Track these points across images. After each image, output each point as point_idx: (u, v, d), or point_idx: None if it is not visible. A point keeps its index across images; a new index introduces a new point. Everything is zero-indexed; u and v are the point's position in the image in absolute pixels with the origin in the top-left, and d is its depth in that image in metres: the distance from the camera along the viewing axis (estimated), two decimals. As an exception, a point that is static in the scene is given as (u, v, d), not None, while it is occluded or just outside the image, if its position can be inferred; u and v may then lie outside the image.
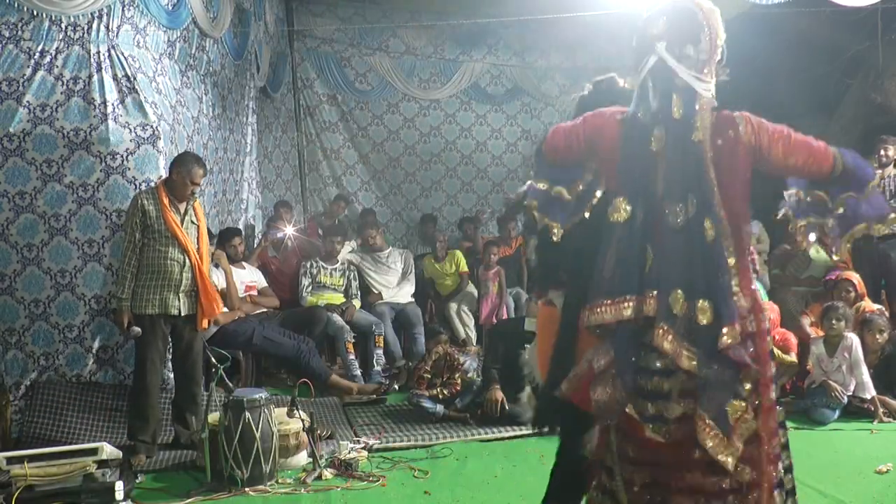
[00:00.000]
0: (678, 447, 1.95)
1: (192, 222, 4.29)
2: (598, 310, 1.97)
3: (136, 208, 4.16)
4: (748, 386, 1.93)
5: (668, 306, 1.91)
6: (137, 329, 4.11)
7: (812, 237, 2.23)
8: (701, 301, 1.90)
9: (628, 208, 1.97)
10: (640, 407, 1.95)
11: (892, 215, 2.09)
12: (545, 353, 2.45)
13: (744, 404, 1.92)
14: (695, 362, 1.89)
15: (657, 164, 1.97)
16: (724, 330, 1.89)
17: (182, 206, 4.26)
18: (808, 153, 2.04)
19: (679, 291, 1.91)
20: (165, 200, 4.17)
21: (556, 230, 2.10)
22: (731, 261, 1.94)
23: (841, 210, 2.07)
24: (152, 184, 4.39)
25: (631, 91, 2.52)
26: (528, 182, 2.18)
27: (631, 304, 1.94)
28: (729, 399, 1.90)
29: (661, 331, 1.90)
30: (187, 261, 4.20)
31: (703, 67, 2.00)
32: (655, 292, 1.92)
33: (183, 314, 4.21)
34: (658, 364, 1.94)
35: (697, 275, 1.92)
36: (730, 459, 1.88)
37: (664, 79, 1.99)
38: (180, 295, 4.19)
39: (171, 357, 4.42)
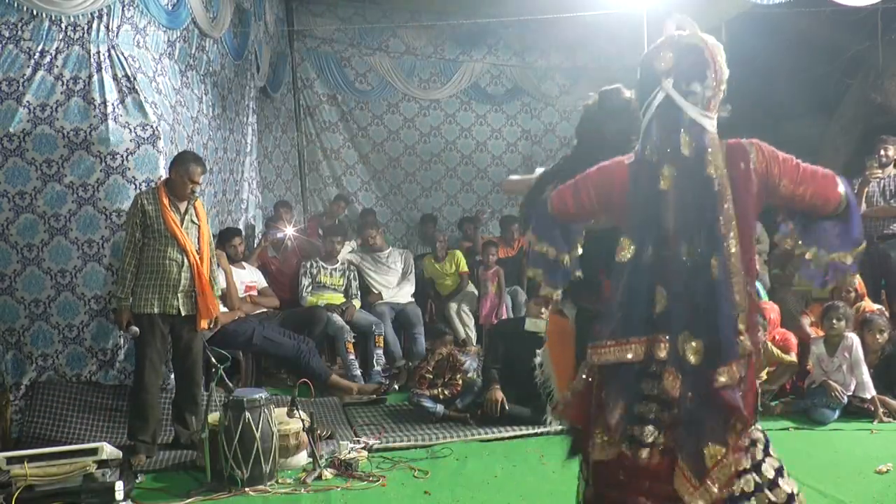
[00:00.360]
0: (654, 477, 1.95)
1: (193, 222, 4.28)
2: (602, 350, 1.99)
3: (136, 208, 4.17)
4: (735, 430, 1.91)
5: (677, 349, 1.91)
6: (135, 329, 4.11)
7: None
8: (695, 341, 1.89)
9: (632, 248, 1.96)
10: (634, 432, 1.96)
11: (836, 280, 2.07)
12: (561, 364, 2.44)
13: (723, 449, 1.89)
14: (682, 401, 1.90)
15: (667, 202, 1.95)
16: (721, 370, 1.87)
17: (182, 206, 4.25)
18: (817, 183, 2.00)
19: (686, 332, 1.91)
20: (165, 200, 4.17)
21: (556, 296, 2.13)
22: (738, 298, 1.92)
23: (809, 257, 2.05)
24: (152, 184, 4.39)
25: (634, 103, 2.53)
26: (528, 238, 2.13)
27: (633, 346, 1.95)
28: (707, 442, 1.89)
29: (671, 375, 1.91)
30: (186, 261, 4.20)
31: (709, 104, 1.99)
32: (667, 336, 1.92)
33: (182, 314, 4.21)
34: (655, 392, 1.96)
35: (701, 314, 1.91)
36: (701, 502, 1.87)
37: (671, 116, 1.97)
38: (179, 295, 4.19)
39: (171, 357, 4.42)
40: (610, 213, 2.05)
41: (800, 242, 2.07)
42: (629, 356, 1.94)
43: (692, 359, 1.89)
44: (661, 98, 1.99)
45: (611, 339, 1.97)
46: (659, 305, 1.93)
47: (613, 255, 2.01)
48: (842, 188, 2.00)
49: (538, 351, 2.58)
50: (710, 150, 1.95)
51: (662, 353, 1.92)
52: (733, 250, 1.92)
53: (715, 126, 2.00)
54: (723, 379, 1.87)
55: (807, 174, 2.00)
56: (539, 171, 2.26)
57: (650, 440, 1.95)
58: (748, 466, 2.00)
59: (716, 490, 1.87)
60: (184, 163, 4.20)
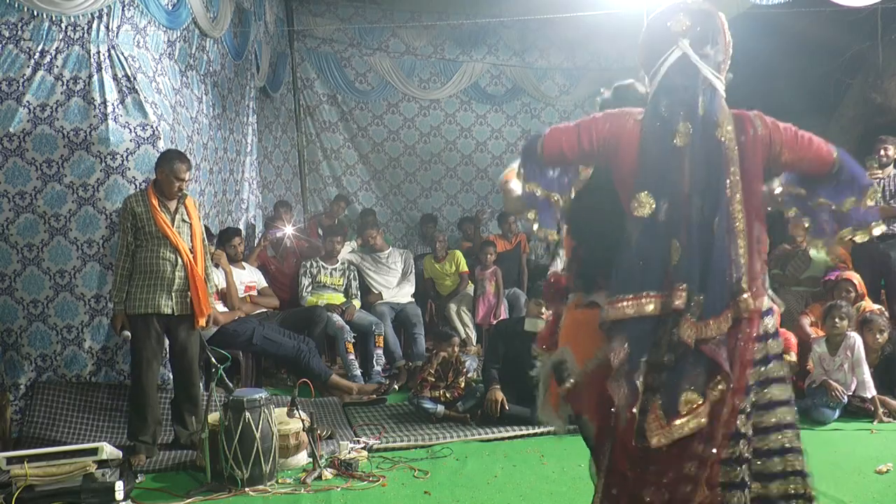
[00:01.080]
0: (668, 460, 1.94)
1: (184, 220, 4.26)
2: (619, 304, 1.97)
3: (126, 212, 4.16)
4: (717, 386, 1.93)
5: (692, 299, 1.93)
6: (127, 333, 4.13)
7: (805, 224, 2.24)
8: (698, 296, 1.92)
9: (652, 202, 1.97)
10: (647, 402, 1.94)
11: (875, 224, 2.13)
12: (583, 351, 2.41)
13: (700, 399, 1.92)
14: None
15: (682, 158, 1.97)
16: (709, 323, 1.90)
17: (172, 205, 4.23)
18: (813, 151, 2.08)
19: (695, 285, 1.94)
20: (155, 201, 4.16)
21: (553, 238, 2.11)
22: (742, 260, 1.95)
23: (823, 206, 2.13)
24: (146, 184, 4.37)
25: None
26: (518, 183, 2.13)
27: (653, 299, 1.94)
28: (686, 388, 1.92)
29: (688, 323, 1.91)
30: (179, 260, 4.19)
31: (719, 68, 2.05)
32: (685, 285, 1.92)
33: (176, 314, 4.20)
34: (666, 359, 1.94)
35: (704, 270, 1.94)
36: (659, 440, 1.90)
37: (688, 74, 2.01)
38: (173, 294, 4.18)
39: (168, 357, 4.42)
40: (610, 161, 2.06)
41: (803, 194, 2.16)
42: (650, 308, 1.94)
43: (696, 312, 1.92)
44: (676, 56, 2.02)
45: (629, 293, 1.96)
46: (674, 258, 1.95)
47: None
48: (834, 150, 2.11)
49: (562, 350, 2.50)
50: (720, 112, 2.00)
51: (680, 302, 1.91)
52: (738, 214, 1.96)
53: (723, 90, 2.05)
54: (708, 332, 1.90)
55: (804, 141, 2.08)
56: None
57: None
58: (744, 431, 2.00)
59: (676, 435, 1.90)
60: (168, 161, 4.18)
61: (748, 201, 1.98)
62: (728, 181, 1.96)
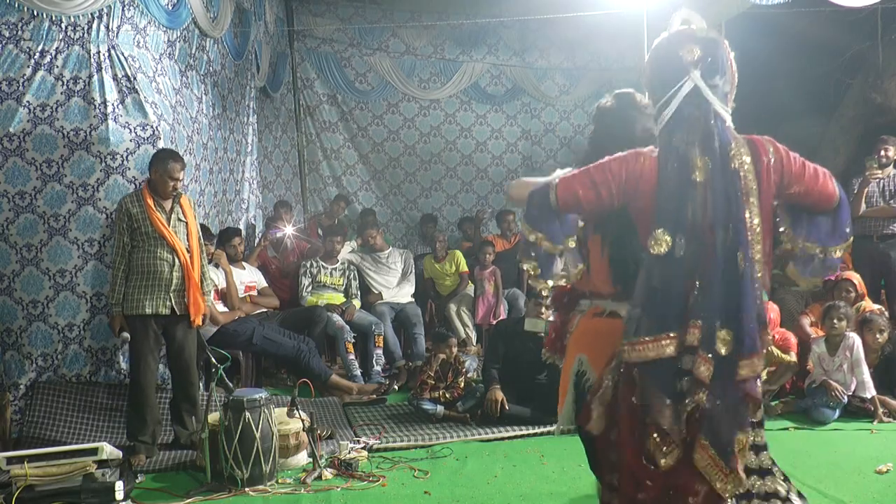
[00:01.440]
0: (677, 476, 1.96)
1: (180, 219, 4.25)
2: (639, 347, 1.95)
3: (121, 213, 4.16)
4: (755, 419, 1.97)
5: (711, 335, 1.91)
6: (126, 335, 4.12)
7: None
8: (724, 331, 1.90)
9: (669, 239, 1.94)
10: (673, 430, 1.95)
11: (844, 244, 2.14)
12: (602, 359, 2.40)
13: (745, 437, 1.94)
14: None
15: (702, 192, 1.94)
16: (743, 363, 1.90)
17: (168, 205, 4.22)
18: (820, 185, 2.06)
19: (718, 321, 1.92)
20: (150, 201, 4.15)
21: (546, 290, 2.13)
22: (759, 292, 1.96)
23: (809, 250, 2.14)
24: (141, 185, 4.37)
25: (647, 108, 2.52)
26: (522, 229, 2.08)
27: (672, 340, 1.93)
28: (737, 431, 1.92)
29: (702, 359, 1.90)
30: (176, 260, 4.18)
31: (726, 99, 2.04)
32: (700, 322, 1.91)
33: (174, 314, 4.19)
34: (687, 402, 1.94)
35: (729, 305, 1.92)
36: (729, 487, 1.90)
37: (700, 107, 1.99)
38: (171, 294, 4.17)
39: (166, 357, 4.42)
40: (629, 204, 2.02)
41: (792, 235, 2.14)
42: (670, 350, 1.92)
43: (722, 349, 1.90)
44: (688, 88, 1.99)
45: (648, 335, 1.94)
46: (691, 295, 1.93)
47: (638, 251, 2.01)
48: (836, 185, 2.08)
49: (577, 358, 2.48)
50: (732, 143, 1.98)
51: (694, 340, 1.90)
52: (758, 245, 1.95)
53: (730, 121, 2.04)
54: (743, 372, 1.90)
55: (811, 173, 2.05)
56: (559, 172, 2.18)
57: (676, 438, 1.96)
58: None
59: (744, 477, 1.92)
60: (162, 161, 4.17)
61: (765, 230, 1.98)
62: (748, 212, 1.95)
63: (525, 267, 2.06)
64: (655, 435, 1.94)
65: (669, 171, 1.97)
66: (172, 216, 4.22)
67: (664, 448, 1.93)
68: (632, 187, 1.99)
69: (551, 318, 5.01)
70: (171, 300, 4.17)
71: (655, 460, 1.93)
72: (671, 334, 1.93)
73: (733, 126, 2.05)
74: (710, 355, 1.89)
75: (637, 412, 1.97)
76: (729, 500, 1.92)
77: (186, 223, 4.27)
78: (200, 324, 4.36)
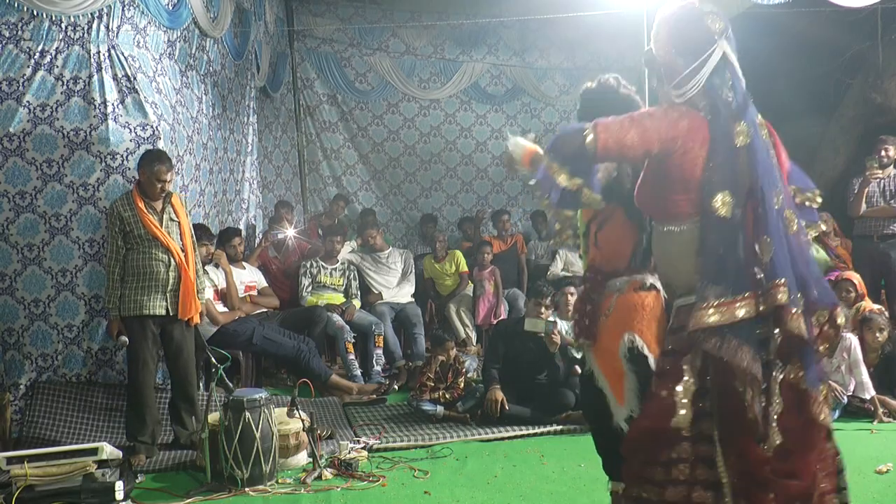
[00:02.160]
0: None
1: (172, 219, 4.24)
2: (713, 311, 1.92)
3: (113, 217, 4.15)
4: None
5: (794, 292, 1.95)
6: (124, 339, 4.12)
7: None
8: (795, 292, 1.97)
9: (730, 201, 1.96)
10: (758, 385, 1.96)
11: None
12: (654, 341, 2.40)
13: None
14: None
15: (744, 157, 1.98)
16: (820, 313, 2.01)
17: (158, 205, 4.21)
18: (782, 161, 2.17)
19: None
20: (140, 204, 4.14)
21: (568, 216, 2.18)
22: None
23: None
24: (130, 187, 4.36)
25: (629, 97, 2.59)
26: (552, 169, 2.04)
27: (747, 301, 1.93)
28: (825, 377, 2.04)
29: (796, 316, 1.93)
30: (172, 260, 4.18)
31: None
32: (783, 279, 1.93)
33: (171, 314, 4.20)
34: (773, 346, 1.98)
35: (801, 264, 1.99)
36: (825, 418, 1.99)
37: (731, 74, 2.03)
38: (168, 294, 4.17)
39: (165, 357, 4.42)
40: (674, 159, 2.01)
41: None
42: (741, 313, 1.92)
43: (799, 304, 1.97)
44: (717, 57, 2.01)
45: (722, 298, 1.92)
46: (766, 255, 1.94)
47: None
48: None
49: (626, 337, 2.44)
50: (758, 114, 2.05)
51: (783, 297, 1.91)
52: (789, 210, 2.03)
53: None
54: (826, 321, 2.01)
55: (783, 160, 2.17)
56: (531, 135, 2.23)
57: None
58: None
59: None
60: (149, 163, 4.14)
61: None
62: (782, 176, 2.04)
63: (564, 182, 2.02)
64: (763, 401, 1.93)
65: (721, 135, 1.99)
66: (164, 217, 4.20)
67: (773, 402, 1.95)
68: (675, 139, 2.00)
69: (552, 319, 5.03)
70: (167, 301, 4.17)
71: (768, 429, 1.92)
72: (746, 294, 1.93)
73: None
74: (796, 309, 1.93)
75: (737, 393, 1.92)
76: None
77: (179, 223, 4.26)
78: (199, 321, 4.36)
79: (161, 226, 4.17)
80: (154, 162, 4.14)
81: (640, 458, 2.04)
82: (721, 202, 1.95)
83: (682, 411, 1.96)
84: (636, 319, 2.46)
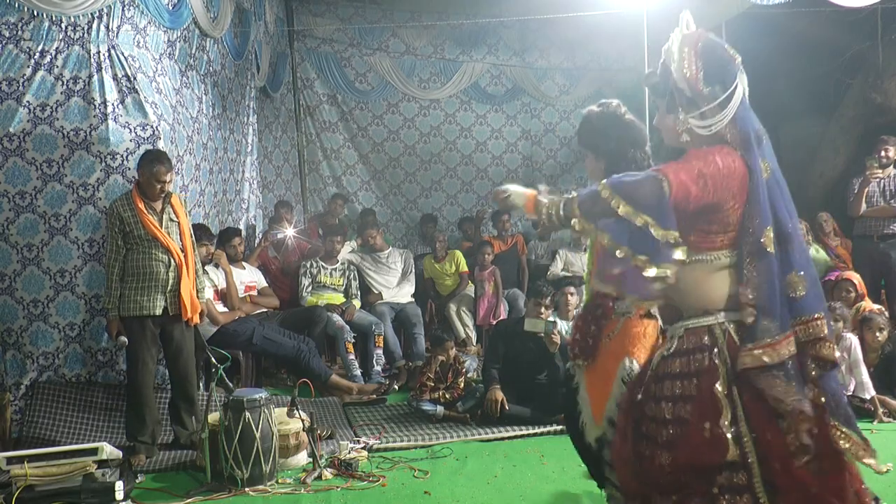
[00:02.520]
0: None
1: (172, 220, 4.24)
2: (756, 352, 1.92)
3: (113, 217, 4.15)
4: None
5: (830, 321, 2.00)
6: (123, 339, 4.12)
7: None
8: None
9: (772, 236, 1.96)
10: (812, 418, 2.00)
11: None
12: (644, 361, 2.41)
13: None
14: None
15: (771, 190, 1.98)
16: (828, 344, 1.97)
17: (158, 206, 4.21)
18: None
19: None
20: (140, 204, 4.14)
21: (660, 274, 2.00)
22: None
23: None
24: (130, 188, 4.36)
25: (633, 123, 2.61)
26: (651, 228, 1.90)
27: (791, 338, 1.94)
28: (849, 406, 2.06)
29: (829, 344, 1.96)
30: (171, 261, 4.18)
31: None
32: (822, 314, 1.97)
33: (171, 314, 4.20)
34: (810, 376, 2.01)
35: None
36: (874, 460, 2.04)
37: (748, 108, 2.02)
38: (167, 295, 4.18)
39: (164, 357, 4.42)
40: (719, 203, 1.97)
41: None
42: (791, 349, 1.93)
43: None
44: (741, 90, 2.00)
45: (766, 337, 1.92)
46: (800, 290, 1.96)
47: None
48: None
49: (627, 362, 2.47)
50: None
51: (824, 330, 1.95)
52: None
53: None
54: (829, 353, 1.98)
55: None
56: (542, 188, 2.15)
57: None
58: None
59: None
60: (148, 164, 4.14)
61: None
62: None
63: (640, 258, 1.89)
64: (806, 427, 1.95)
65: (755, 169, 1.97)
66: (164, 217, 4.21)
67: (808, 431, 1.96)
68: (725, 183, 1.95)
69: (552, 319, 5.03)
70: (167, 301, 4.17)
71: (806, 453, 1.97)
72: (788, 333, 1.94)
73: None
74: (831, 342, 1.97)
75: (774, 419, 1.95)
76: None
77: (178, 223, 4.26)
78: (199, 321, 4.36)
79: (161, 226, 4.16)
80: (153, 162, 4.14)
81: (681, 492, 1.98)
82: (767, 239, 1.95)
83: (731, 442, 1.93)
84: (637, 346, 2.48)
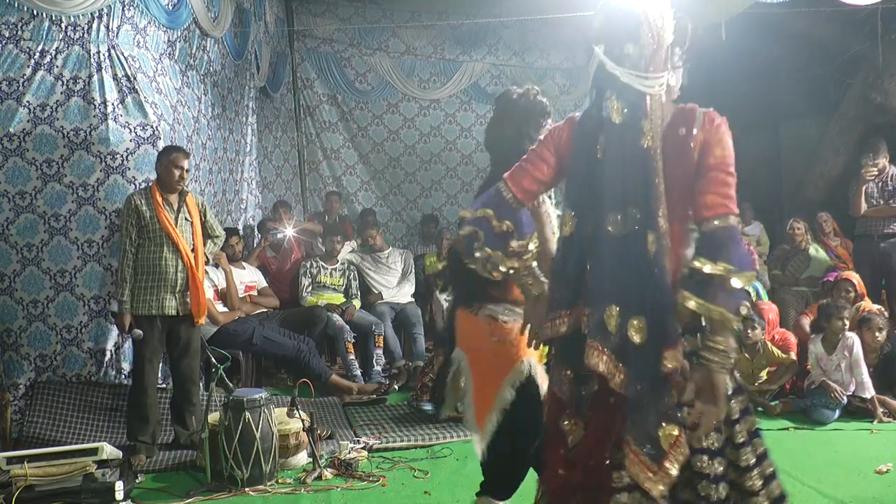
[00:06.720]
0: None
1: (187, 219, 4.26)
2: (545, 326, 1.95)
3: (130, 209, 4.15)
4: (686, 409, 1.79)
5: (603, 323, 1.79)
6: (139, 331, 4.11)
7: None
8: (636, 319, 1.77)
9: (573, 222, 1.90)
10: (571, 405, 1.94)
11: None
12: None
13: (677, 428, 1.77)
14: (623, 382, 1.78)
15: (601, 172, 1.85)
16: (667, 354, 1.75)
17: (175, 202, 4.23)
18: (719, 186, 1.82)
19: (615, 307, 1.79)
20: (159, 199, 4.16)
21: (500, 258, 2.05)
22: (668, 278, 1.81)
23: None
24: (150, 184, 4.38)
25: (524, 100, 2.67)
26: (483, 215, 2.00)
27: (566, 319, 1.90)
28: (661, 423, 1.76)
29: (593, 349, 1.80)
30: (181, 261, 4.19)
31: (649, 64, 1.83)
32: (589, 309, 1.83)
33: (179, 314, 4.21)
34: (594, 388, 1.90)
35: (635, 291, 1.78)
36: (660, 487, 1.75)
37: (605, 82, 1.87)
38: (176, 295, 4.18)
39: (167, 357, 4.42)
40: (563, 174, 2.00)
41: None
42: (563, 329, 1.90)
43: (636, 337, 1.76)
44: (596, 65, 1.90)
45: (551, 315, 1.94)
46: (588, 279, 1.88)
47: None
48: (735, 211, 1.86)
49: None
50: (645, 118, 1.81)
51: (583, 326, 1.85)
52: (663, 228, 1.80)
53: (661, 87, 1.85)
54: (669, 364, 1.75)
55: (725, 174, 1.83)
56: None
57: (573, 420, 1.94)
58: (718, 446, 1.84)
59: (674, 472, 1.75)
60: (167, 153, 4.20)
61: (673, 212, 1.81)
62: (654, 193, 1.80)
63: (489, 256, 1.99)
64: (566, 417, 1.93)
65: (579, 151, 1.92)
66: (180, 215, 4.23)
67: (567, 424, 1.92)
68: (558, 154, 1.98)
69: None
70: (176, 300, 4.18)
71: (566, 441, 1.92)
72: (564, 312, 1.90)
73: (679, 99, 1.93)
74: (600, 345, 1.79)
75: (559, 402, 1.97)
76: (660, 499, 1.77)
77: (192, 223, 4.28)
78: (202, 323, 4.37)
79: (175, 224, 4.18)
80: (172, 151, 4.20)
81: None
82: (563, 222, 1.98)
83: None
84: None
